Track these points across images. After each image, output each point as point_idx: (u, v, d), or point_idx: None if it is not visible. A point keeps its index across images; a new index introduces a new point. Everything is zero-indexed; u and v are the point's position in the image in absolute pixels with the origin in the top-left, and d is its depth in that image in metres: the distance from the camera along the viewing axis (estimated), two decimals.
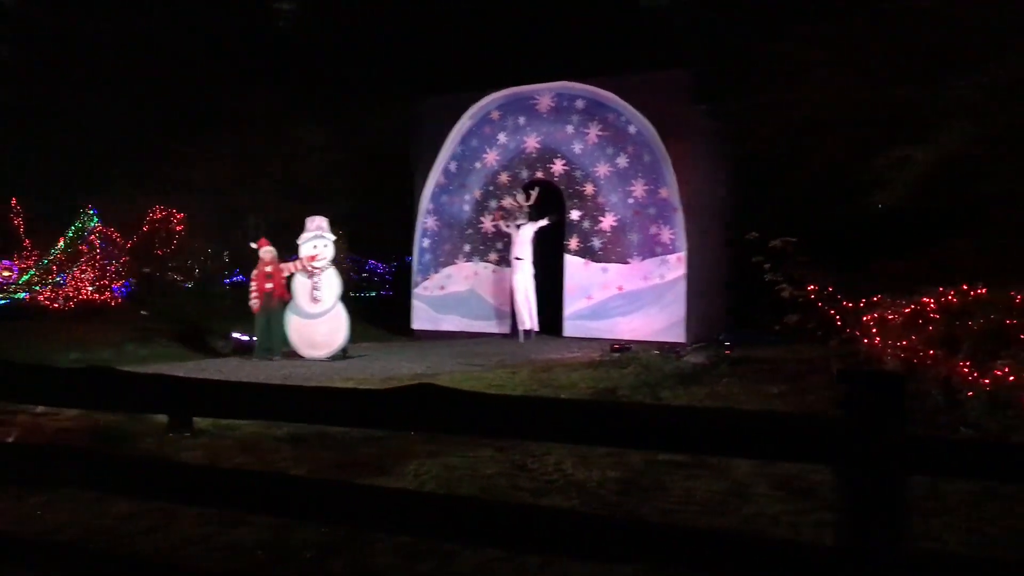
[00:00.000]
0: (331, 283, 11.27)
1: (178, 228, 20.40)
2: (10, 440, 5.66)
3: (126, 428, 6.28)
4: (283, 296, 11.48)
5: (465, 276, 15.69)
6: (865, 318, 8.38)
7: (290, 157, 26.30)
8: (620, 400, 7.80)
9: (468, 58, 19.96)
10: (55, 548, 4.32)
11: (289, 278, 11.66)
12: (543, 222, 14.42)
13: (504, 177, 15.37)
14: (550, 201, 15.81)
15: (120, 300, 20.02)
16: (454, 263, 15.90)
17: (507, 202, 15.03)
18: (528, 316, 14.40)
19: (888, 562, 1.44)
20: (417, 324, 16.13)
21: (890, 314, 8.33)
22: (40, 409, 6.39)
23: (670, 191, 13.85)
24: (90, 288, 19.32)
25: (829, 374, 8.96)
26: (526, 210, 14.46)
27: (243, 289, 24.08)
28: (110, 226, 19.86)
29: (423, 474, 5.73)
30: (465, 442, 6.33)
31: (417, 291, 16.24)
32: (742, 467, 5.94)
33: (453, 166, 15.99)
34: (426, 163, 16.20)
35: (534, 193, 14.57)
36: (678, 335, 13.58)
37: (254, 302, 11.49)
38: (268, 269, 11.44)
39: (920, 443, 1.48)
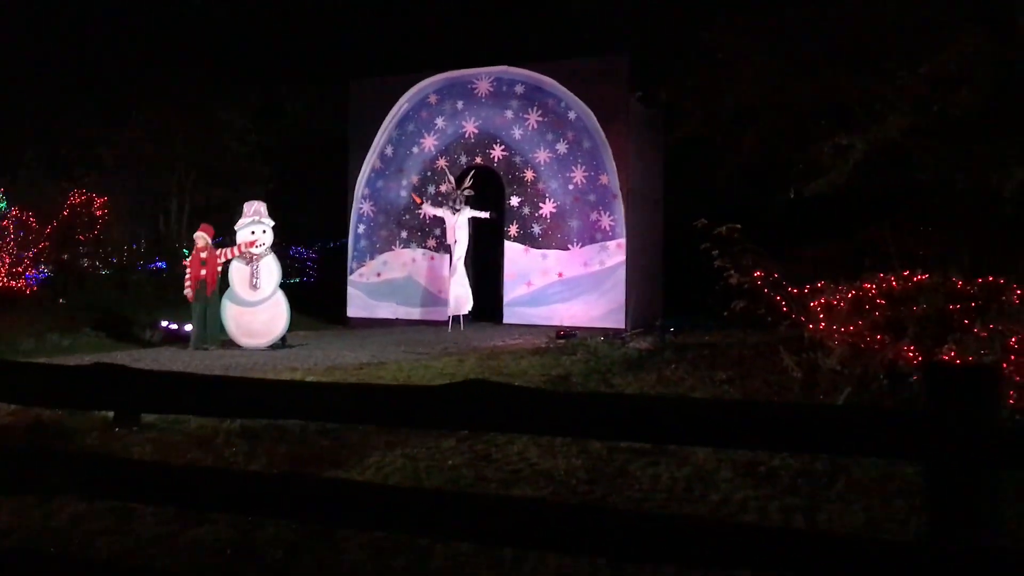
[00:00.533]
0: (270, 270, 10.94)
1: (98, 213, 19.54)
2: None
3: (68, 423, 5.97)
4: (214, 284, 11.08)
5: (402, 263, 15.47)
6: (812, 304, 8.53)
7: (210, 139, 25.56)
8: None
9: (403, 40, 19.65)
10: (5, 554, 4.07)
11: (225, 265, 11.28)
12: (482, 213, 14.27)
13: (442, 162, 15.18)
14: (489, 187, 15.70)
15: (35, 288, 19.14)
16: (391, 249, 15.66)
17: (444, 187, 14.86)
18: (456, 301, 14.04)
19: (983, 558, 1.40)
20: (352, 311, 15.85)
21: (835, 299, 8.50)
22: None
23: (610, 177, 13.89)
24: (5, 276, 18.39)
25: (772, 359, 9.10)
26: (463, 194, 14.30)
27: (163, 276, 23.43)
28: (27, 211, 18.90)
29: (386, 466, 5.59)
30: (425, 433, 6.21)
31: (352, 278, 15.95)
32: (701, 453, 5.96)
33: (389, 150, 15.73)
34: (361, 147, 15.89)
35: (469, 178, 14.41)
36: (618, 321, 13.65)
37: (188, 291, 11.08)
38: (203, 255, 11.05)
39: (1015, 437, 1.45)
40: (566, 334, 11.28)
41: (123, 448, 5.61)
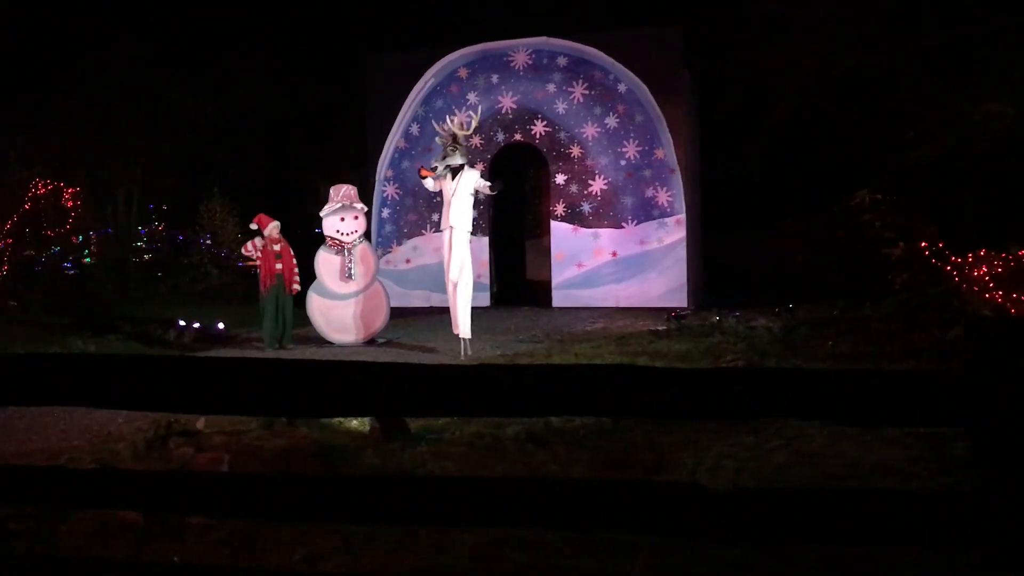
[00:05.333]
0: (366, 259, 9.99)
1: (69, 204, 17.78)
2: (224, 468, 4.41)
3: (327, 441, 5.11)
4: (294, 278, 10.04)
5: (435, 247, 14.53)
6: (976, 272, 8.32)
7: (159, 122, 23.85)
8: None
9: (423, 12, 18.60)
10: None
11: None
12: (485, 184, 9.60)
13: (476, 140, 14.35)
14: (527, 162, 15.03)
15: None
16: (421, 234, 14.78)
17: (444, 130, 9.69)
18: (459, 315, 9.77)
19: None
20: None
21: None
22: (200, 424, 5.08)
23: (666, 151, 13.40)
24: None
25: (927, 332, 8.85)
26: (462, 145, 9.52)
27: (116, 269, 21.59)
28: None
29: (717, 469, 4.98)
30: (701, 427, 5.61)
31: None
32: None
33: (415, 129, 14.80)
34: (382, 126, 14.91)
35: (473, 119, 10.23)
36: (679, 300, 13.22)
37: (263, 289, 9.89)
38: (276, 247, 10.00)
39: None
40: (679, 315, 10.77)
41: (421, 465, 4.82)
